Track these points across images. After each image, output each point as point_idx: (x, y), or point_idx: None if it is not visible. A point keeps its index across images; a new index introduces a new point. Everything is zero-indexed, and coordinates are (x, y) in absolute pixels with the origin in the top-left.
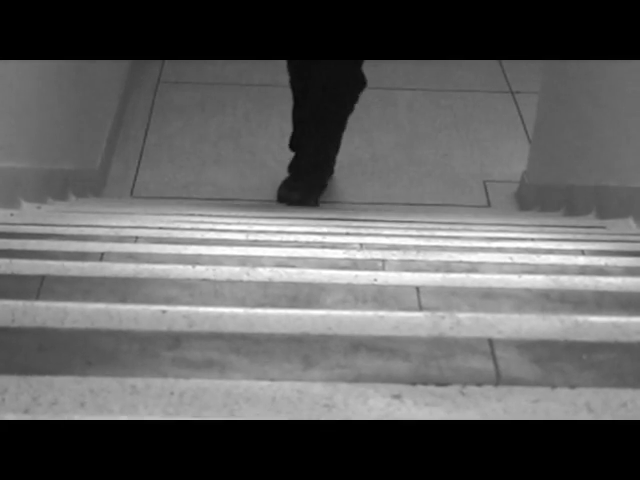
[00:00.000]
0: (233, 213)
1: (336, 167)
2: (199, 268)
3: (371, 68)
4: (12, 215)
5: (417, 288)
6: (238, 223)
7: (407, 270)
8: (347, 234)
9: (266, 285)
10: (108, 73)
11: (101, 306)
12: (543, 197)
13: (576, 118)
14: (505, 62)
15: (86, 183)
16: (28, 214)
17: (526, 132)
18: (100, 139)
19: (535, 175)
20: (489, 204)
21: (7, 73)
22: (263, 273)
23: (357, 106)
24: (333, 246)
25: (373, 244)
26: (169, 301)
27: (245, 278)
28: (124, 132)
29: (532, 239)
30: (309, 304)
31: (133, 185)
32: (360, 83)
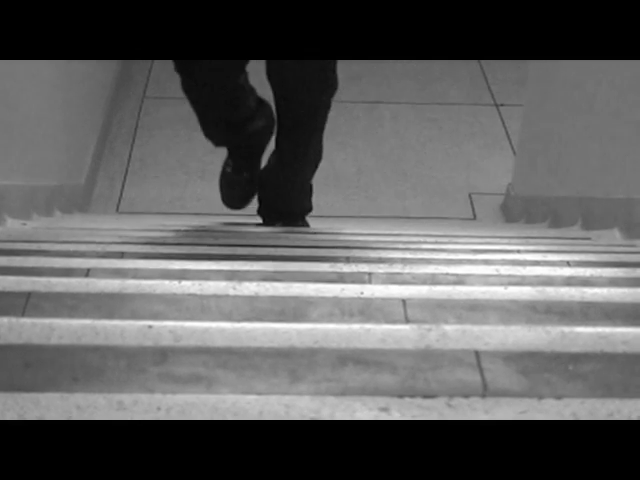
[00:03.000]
0: (218, 229)
1: (322, 180)
2: (185, 283)
3: (355, 81)
4: None
5: (403, 301)
6: (225, 236)
7: (393, 283)
8: (333, 247)
9: (253, 299)
10: (93, 89)
11: (87, 322)
12: (529, 209)
13: (560, 130)
14: (489, 75)
15: (71, 199)
16: (13, 230)
17: (511, 144)
18: (85, 155)
19: (520, 187)
20: (475, 216)
21: None
22: (249, 287)
23: (342, 119)
24: (319, 259)
25: (359, 257)
26: (155, 316)
27: (232, 292)
28: (109, 148)
29: (518, 251)
30: (296, 318)
31: (119, 201)
32: (331, 87)
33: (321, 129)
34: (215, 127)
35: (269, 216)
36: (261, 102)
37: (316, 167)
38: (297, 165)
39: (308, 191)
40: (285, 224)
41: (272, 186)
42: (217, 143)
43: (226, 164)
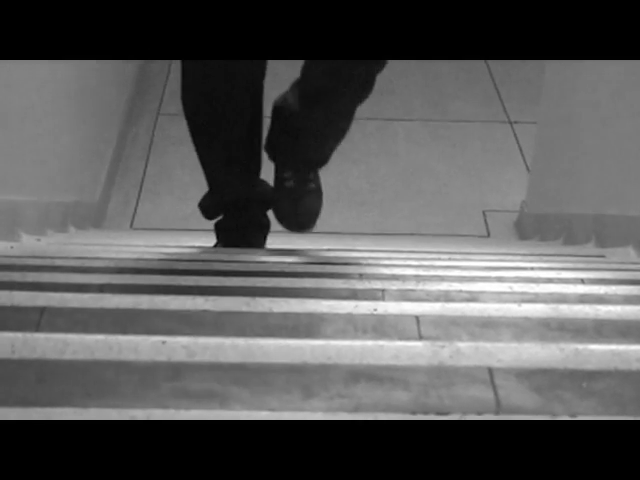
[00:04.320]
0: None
1: (335, 197)
2: (199, 299)
3: (369, 98)
4: (12, 247)
5: (417, 317)
6: (238, 254)
7: (407, 300)
8: (346, 264)
9: (266, 315)
10: (108, 105)
11: (101, 337)
12: (542, 226)
13: (574, 147)
14: (503, 92)
15: (86, 215)
16: (28, 246)
17: (525, 161)
18: (100, 171)
19: (534, 204)
20: (488, 234)
21: (7, 107)
22: (263, 303)
23: (356, 137)
24: (332, 276)
25: (372, 274)
26: (169, 332)
27: (245, 309)
28: (124, 164)
29: (532, 268)
30: (309, 334)
31: (133, 217)
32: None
33: (361, 100)
34: (223, 173)
35: (277, 153)
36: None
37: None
38: (321, 95)
39: (334, 133)
40: (293, 171)
41: (286, 116)
42: (217, 207)
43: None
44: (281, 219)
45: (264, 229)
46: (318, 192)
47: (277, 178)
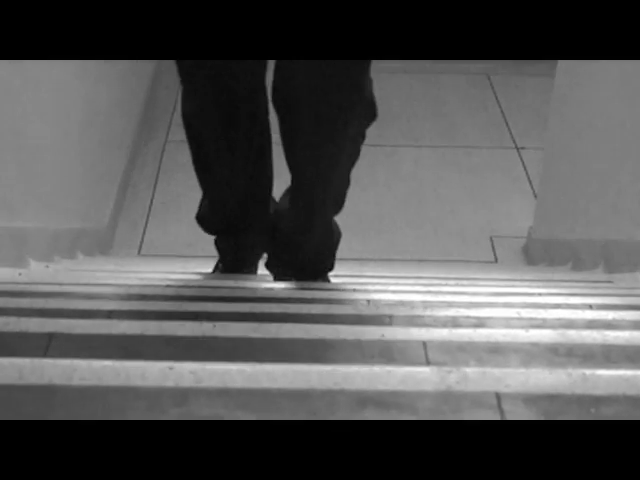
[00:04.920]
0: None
1: (342, 223)
2: (206, 325)
3: (376, 124)
4: (20, 274)
5: (424, 343)
6: (245, 280)
7: (414, 325)
8: (354, 290)
9: (273, 341)
10: (116, 132)
11: (108, 363)
12: (550, 252)
13: (581, 173)
14: (510, 118)
15: (94, 242)
16: (36, 273)
17: (532, 187)
18: (108, 198)
19: (542, 230)
20: (496, 259)
21: (16, 134)
22: (270, 329)
23: (363, 163)
24: (340, 302)
25: (380, 300)
26: (176, 357)
27: (252, 335)
28: (132, 190)
29: (539, 294)
30: (316, 359)
31: (141, 244)
32: (371, 110)
33: (352, 164)
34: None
35: (280, 272)
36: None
37: (339, 208)
38: (316, 207)
39: (330, 242)
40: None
41: (284, 234)
42: (215, 225)
43: (216, 267)
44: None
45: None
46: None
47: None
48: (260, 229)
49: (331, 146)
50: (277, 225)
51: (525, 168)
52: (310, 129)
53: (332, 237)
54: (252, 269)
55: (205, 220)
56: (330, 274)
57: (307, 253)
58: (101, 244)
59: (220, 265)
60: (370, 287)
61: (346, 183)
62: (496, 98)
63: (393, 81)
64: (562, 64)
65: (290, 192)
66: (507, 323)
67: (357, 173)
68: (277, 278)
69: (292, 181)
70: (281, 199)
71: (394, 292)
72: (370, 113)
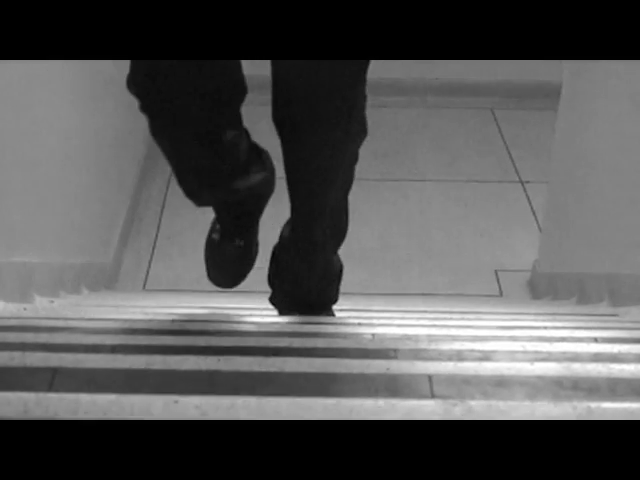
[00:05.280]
0: (246, 305)
1: (347, 257)
2: (211, 359)
3: (380, 159)
4: (25, 309)
5: (429, 376)
6: (250, 315)
7: (419, 359)
8: (359, 324)
9: (277, 375)
10: (121, 167)
11: (113, 397)
12: (555, 285)
13: (586, 206)
14: (514, 152)
15: (99, 276)
16: (41, 308)
17: (536, 221)
18: (113, 233)
19: (546, 264)
20: (501, 293)
21: (22, 169)
22: (275, 363)
23: (368, 197)
24: (345, 336)
25: (385, 334)
26: (181, 392)
27: (257, 369)
28: (136, 225)
29: (544, 327)
30: (321, 393)
31: (145, 278)
32: (361, 132)
33: (347, 189)
34: (195, 181)
35: (284, 306)
36: (257, 149)
37: (340, 241)
38: (316, 238)
39: (332, 275)
40: (305, 314)
41: (285, 267)
42: (200, 202)
43: (212, 229)
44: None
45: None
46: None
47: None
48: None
49: (328, 165)
50: (279, 257)
51: (530, 202)
52: (310, 143)
53: (334, 269)
54: (256, 222)
55: (190, 191)
56: (335, 308)
57: (310, 284)
58: (106, 279)
59: (217, 225)
60: (375, 321)
61: (344, 210)
62: (500, 132)
63: (397, 115)
64: (565, 98)
65: (290, 222)
66: (512, 356)
67: (362, 207)
68: (282, 313)
69: (292, 211)
70: (282, 230)
71: (399, 326)
72: (362, 130)
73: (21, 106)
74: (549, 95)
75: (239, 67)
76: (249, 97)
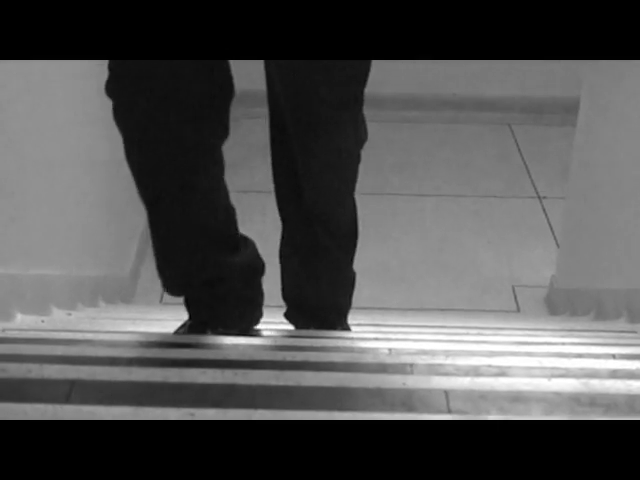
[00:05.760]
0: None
1: (364, 273)
2: (228, 372)
3: (397, 174)
4: (43, 322)
5: (446, 392)
6: (266, 329)
7: (436, 374)
8: (376, 339)
9: (295, 389)
10: None
11: (128, 409)
12: (573, 301)
13: (603, 222)
14: (532, 168)
15: (116, 289)
16: (58, 320)
17: (554, 237)
18: (130, 246)
19: (564, 279)
20: (518, 309)
21: (41, 182)
22: (291, 377)
23: (385, 212)
24: (362, 351)
25: (402, 349)
26: (197, 405)
27: (273, 382)
28: None
29: (562, 343)
30: (337, 407)
31: (162, 292)
32: (362, 133)
33: (351, 190)
34: (175, 243)
35: (299, 321)
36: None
37: (349, 247)
38: (317, 241)
39: (342, 282)
40: (320, 327)
41: (291, 277)
42: (176, 285)
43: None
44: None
45: (250, 304)
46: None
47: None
48: (236, 280)
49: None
50: (285, 266)
51: (547, 217)
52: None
53: (343, 277)
54: (234, 323)
55: (165, 274)
56: (351, 322)
57: (317, 291)
58: (123, 292)
59: (188, 323)
60: (392, 336)
61: (348, 213)
62: (518, 148)
63: (415, 131)
64: (583, 113)
65: (287, 232)
66: (529, 372)
67: (379, 221)
68: (297, 327)
69: (285, 225)
70: (281, 251)
71: (416, 341)
72: (360, 134)
73: (42, 120)
74: (567, 110)
75: (228, 66)
76: (239, 111)
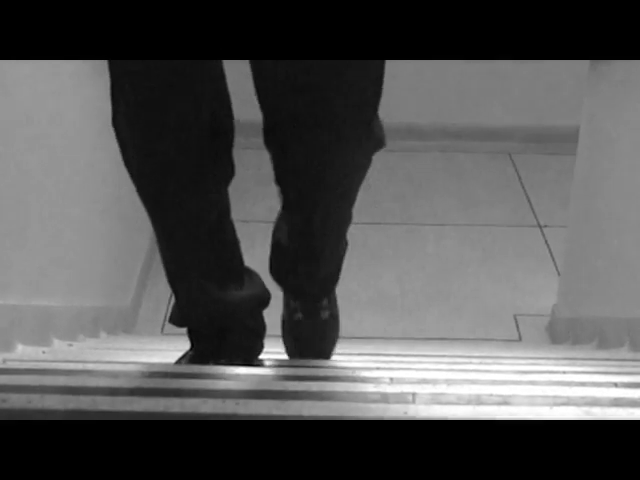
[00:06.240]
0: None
1: (365, 302)
2: (229, 402)
3: (398, 203)
4: (44, 352)
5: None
6: (268, 359)
7: (438, 403)
8: (377, 368)
9: (295, 418)
10: (140, 210)
11: None
12: (575, 330)
13: (605, 250)
14: (532, 196)
15: (117, 320)
16: (59, 351)
17: (555, 265)
18: (131, 277)
19: (566, 308)
20: (520, 338)
21: (41, 212)
22: (292, 407)
23: (386, 241)
24: (363, 380)
25: (403, 378)
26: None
27: (275, 412)
28: (155, 270)
29: (564, 372)
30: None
31: (164, 322)
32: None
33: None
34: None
35: (280, 279)
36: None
37: (334, 281)
38: (315, 244)
39: (329, 327)
40: (300, 301)
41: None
42: (179, 318)
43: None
44: (289, 354)
45: (253, 336)
46: (332, 322)
47: (286, 305)
48: (242, 313)
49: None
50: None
51: (548, 246)
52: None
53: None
54: (237, 355)
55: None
56: (353, 352)
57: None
58: (124, 323)
59: (189, 353)
60: (393, 365)
61: (347, 219)
62: (518, 176)
63: (415, 160)
64: (583, 143)
65: (286, 234)
66: (531, 401)
67: (380, 250)
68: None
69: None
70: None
71: (417, 370)
72: (374, 142)
73: (41, 151)
74: (567, 140)
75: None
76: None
